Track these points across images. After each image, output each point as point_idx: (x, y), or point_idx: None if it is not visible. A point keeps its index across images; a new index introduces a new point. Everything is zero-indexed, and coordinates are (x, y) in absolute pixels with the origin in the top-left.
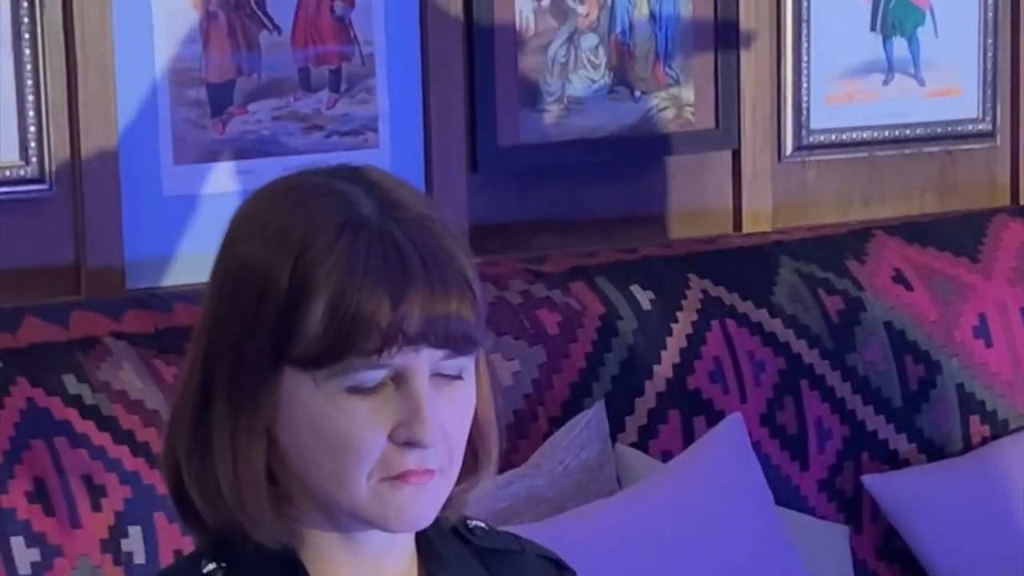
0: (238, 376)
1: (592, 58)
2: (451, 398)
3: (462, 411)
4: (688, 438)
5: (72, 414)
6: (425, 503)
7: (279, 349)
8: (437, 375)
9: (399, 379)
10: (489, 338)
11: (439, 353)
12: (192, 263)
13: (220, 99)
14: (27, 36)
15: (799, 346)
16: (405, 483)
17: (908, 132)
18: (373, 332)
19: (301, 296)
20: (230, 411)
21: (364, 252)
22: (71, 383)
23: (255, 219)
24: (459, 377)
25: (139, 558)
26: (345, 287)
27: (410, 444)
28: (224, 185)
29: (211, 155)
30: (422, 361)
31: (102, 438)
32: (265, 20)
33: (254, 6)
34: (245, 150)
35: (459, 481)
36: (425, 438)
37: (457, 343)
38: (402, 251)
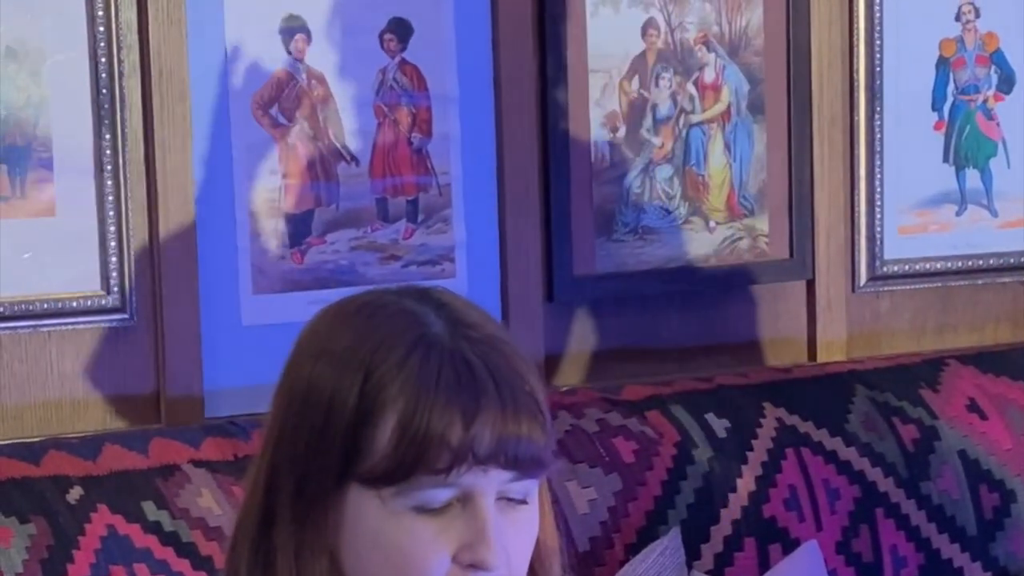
0: (303, 493)
1: (667, 189)
2: (516, 523)
3: (526, 536)
4: (764, 566)
5: (152, 540)
6: None
7: (346, 466)
8: (503, 499)
9: (465, 500)
10: (557, 462)
11: (507, 475)
12: (270, 392)
13: (298, 229)
14: (109, 167)
15: (874, 474)
16: None
17: (981, 262)
18: (443, 450)
19: (370, 414)
20: (294, 529)
21: (436, 370)
22: (151, 510)
23: (322, 337)
24: (524, 502)
25: None
26: (416, 404)
27: (474, 567)
28: (302, 314)
29: (289, 285)
30: (490, 482)
31: (181, 564)
32: (343, 152)
33: (332, 138)
34: (323, 280)
35: None
36: (489, 561)
37: (526, 465)
38: (474, 370)
